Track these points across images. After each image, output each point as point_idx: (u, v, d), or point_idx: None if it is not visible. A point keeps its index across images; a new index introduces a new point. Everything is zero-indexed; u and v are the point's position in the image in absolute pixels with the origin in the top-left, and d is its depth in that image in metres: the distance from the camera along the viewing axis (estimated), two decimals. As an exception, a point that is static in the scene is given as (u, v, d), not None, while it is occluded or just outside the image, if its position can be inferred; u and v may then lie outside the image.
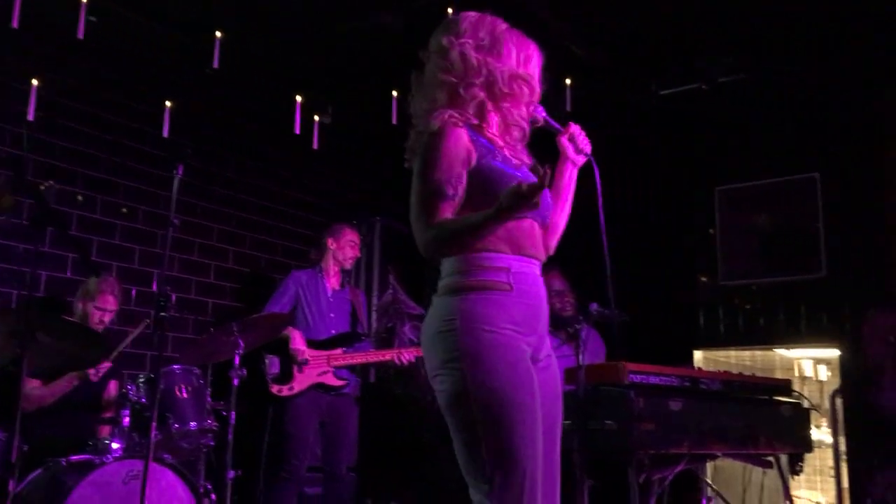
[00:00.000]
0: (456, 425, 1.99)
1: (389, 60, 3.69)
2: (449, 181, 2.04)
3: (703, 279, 5.85)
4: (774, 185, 5.61)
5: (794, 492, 4.37)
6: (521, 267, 2.09)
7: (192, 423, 3.79)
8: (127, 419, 3.66)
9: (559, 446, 2.16)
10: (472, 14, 2.23)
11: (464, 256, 2.07)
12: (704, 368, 5.43)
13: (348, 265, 4.87)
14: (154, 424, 3.20)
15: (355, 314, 4.80)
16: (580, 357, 3.42)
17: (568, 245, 2.37)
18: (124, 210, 4.92)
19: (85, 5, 4.18)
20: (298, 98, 5.17)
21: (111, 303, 4.19)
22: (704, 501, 4.36)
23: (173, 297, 3.36)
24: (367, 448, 5.23)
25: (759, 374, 4.46)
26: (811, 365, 5.55)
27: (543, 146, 2.30)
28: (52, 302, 4.49)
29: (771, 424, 3.89)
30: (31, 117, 4.29)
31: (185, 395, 3.83)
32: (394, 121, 4.94)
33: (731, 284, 5.71)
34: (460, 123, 2.10)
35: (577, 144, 2.30)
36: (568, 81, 5.00)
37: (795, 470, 4.09)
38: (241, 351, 3.90)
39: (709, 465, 4.74)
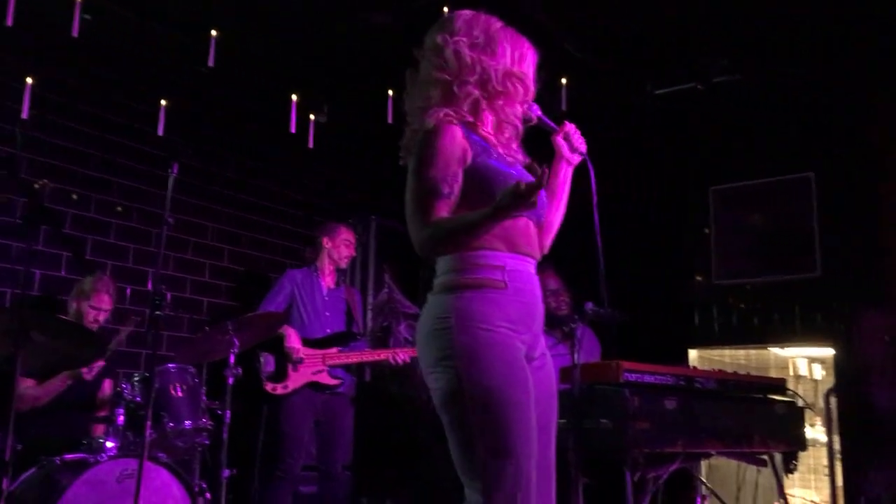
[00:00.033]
0: (450, 423, 1.99)
1: (385, 59, 3.68)
2: (445, 179, 2.04)
3: (698, 278, 5.86)
4: (769, 184, 5.62)
5: (788, 490, 4.38)
6: (517, 265, 2.09)
7: (187, 422, 3.78)
8: (121, 418, 3.65)
9: (554, 445, 2.16)
10: (467, 12, 2.23)
11: (459, 254, 2.07)
12: (699, 367, 5.44)
13: (343, 264, 4.87)
14: (149, 423, 3.20)
15: (350, 313, 4.80)
16: (575, 356, 3.42)
17: (563, 244, 2.37)
18: (119, 209, 4.91)
19: (80, 3, 4.17)
20: (294, 97, 5.16)
21: (106, 302, 4.18)
22: (699, 500, 4.37)
23: (168, 296, 3.35)
24: (362, 447, 5.23)
25: (753, 372, 4.47)
26: (806, 364, 5.57)
27: (538, 145, 2.30)
28: (46, 301, 4.48)
29: (765, 423, 3.91)
30: (25, 115, 4.27)
31: (179, 394, 3.82)
32: (389, 120, 4.93)
33: (725, 283, 5.72)
34: (455, 121, 2.11)
35: (572, 143, 2.30)
36: (563, 81, 5.00)
37: (790, 468, 4.11)
38: (236, 350, 3.90)
39: (703, 464, 4.75)
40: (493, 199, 1.97)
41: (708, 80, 5.26)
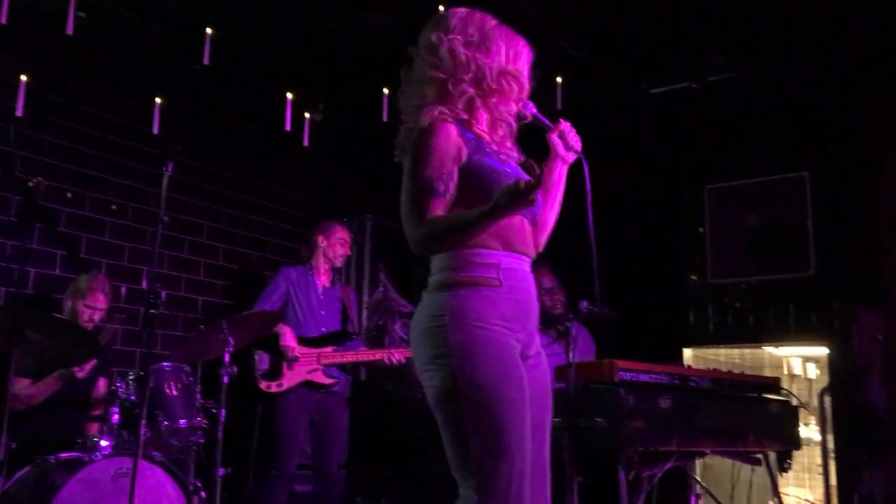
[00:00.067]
0: (444, 421, 1.99)
1: (380, 57, 3.69)
2: (440, 178, 2.04)
3: (693, 277, 5.87)
4: (764, 183, 5.63)
5: (782, 489, 4.39)
6: (511, 263, 2.09)
7: (182, 421, 3.78)
8: (116, 417, 3.64)
9: (549, 444, 2.16)
10: (462, 10, 2.23)
11: (454, 253, 2.07)
12: (694, 366, 5.45)
13: (339, 263, 4.86)
14: (143, 422, 3.19)
15: (346, 312, 4.79)
16: (570, 355, 3.42)
17: (558, 242, 2.37)
18: (114, 207, 4.90)
19: (74, 1, 4.16)
20: (289, 95, 5.15)
21: (101, 301, 4.17)
22: (693, 499, 4.38)
23: (163, 295, 3.35)
24: (357, 446, 5.23)
25: (748, 371, 4.47)
26: (800, 363, 5.58)
27: (533, 143, 2.30)
28: (40, 299, 4.47)
29: (760, 422, 3.91)
30: (19, 113, 4.26)
31: (174, 393, 3.82)
32: (385, 118, 4.94)
33: (720, 282, 5.73)
34: (450, 119, 2.10)
35: (567, 141, 2.30)
36: (559, 79, 5.00)
37: (784, 467, 4.12)
38: (231, 348, 3.89)
39: (698, 463, 4.75)
40: (487, 197, 1.97)
41: (703, 78, 5.27)
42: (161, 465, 3.57)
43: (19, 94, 4.26)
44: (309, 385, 4.45)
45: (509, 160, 2.20)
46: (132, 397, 3.69)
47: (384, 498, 5.52)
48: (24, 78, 4.28)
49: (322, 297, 4.70)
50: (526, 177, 1.99)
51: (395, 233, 2.23)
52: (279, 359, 4.42)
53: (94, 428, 3.90)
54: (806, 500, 5.22)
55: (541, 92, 2.31)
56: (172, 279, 5.16)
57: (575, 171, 2.35)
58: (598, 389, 3.34)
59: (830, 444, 4.91)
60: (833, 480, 4.88)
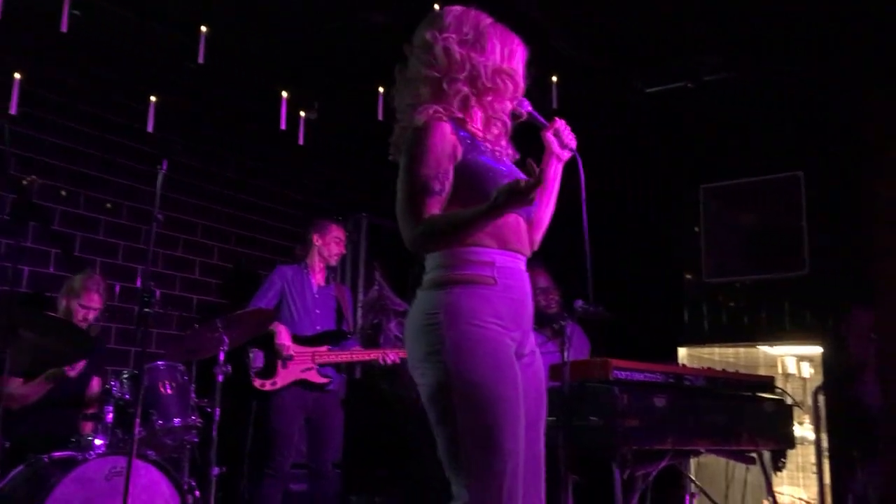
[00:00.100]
0: (437, 418, 1.99)
1: (375, 56, 3.68)
2: (436, 177, 2.04)
3: (688, 276, 5.88)
4: (759, 183, 5.65)
5: (776, 488, 4.40)
6: (506, 261, 2.09)
7: (176, 420, 3.77)
8: (110, 415, 3.63)
9: (543, 442, 2.16)
10: (457, 8, 2.23)
11: (449, 251, 2.06)
12: (689, 365, 5.46)
13: (334, 262, 4.85)
14: (137, 421, 3.19)
15: (341, 311, 4.79)
16: (565, 353, 3.42)
17: (552, 241, 2.37)
18: (108, 205, 4.89)
19: (68, -1, 4.15)
20: (284, 94, 5.14)
21: (96, 301, 4.16)
22: (688, 498, 4.38)
23: (157, 294, 3.34)
24: (352, 445, 5.22)
25: (742, 370, 4.48)
26: (794, 362, 5.59)
27: (528, 141, 2.30)
28: (34, 298, 4.46)
29: (754, 421, 3.92)
30: (13, 111, 4.25)
31: (169, 392, 3.81)
32: (380, 117, 4.93)
33: (715, 282, 5.75)
34: (445, 118, 2.10)
35: (562, 139, 2.30)
36: (554, 79, 5.00)
37: (778, 466, 4.12)
38: (225, 347, 3.89)
39: (692, 462, 4.76)
40: (482, 196, 1.97)
41: (699, 78, 5.28)
42: (155, 463, 3.56)
43: (13, 91, 4.24)
44: (303, 384, 4.45)
45: (504, 158, 2.20)
46: (126, 396, 3.68)
47: (379, 497, 5.52)
48: (17, 76, 4.27)
49: (317, 296, 4.70)
50: (521, 174, 1.99)
51: (391, 231, 2.23)
52: (274, 357, 4.41)
53: (89, 427, 3.88)
54: (800, 499, 5.24)
55: (536, 91, 2.30)
56: (167, 278, 5.15)
57: (570, 169, 2.35)
58: (592, 388, 3.34)
59: (825, 443, 4.92)
60: (827, 479, 4.89)
